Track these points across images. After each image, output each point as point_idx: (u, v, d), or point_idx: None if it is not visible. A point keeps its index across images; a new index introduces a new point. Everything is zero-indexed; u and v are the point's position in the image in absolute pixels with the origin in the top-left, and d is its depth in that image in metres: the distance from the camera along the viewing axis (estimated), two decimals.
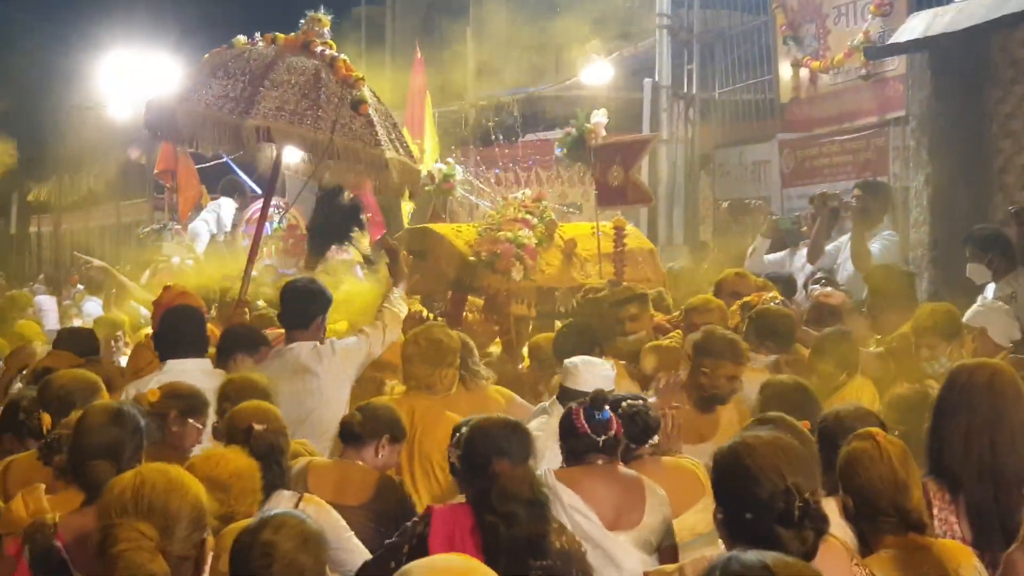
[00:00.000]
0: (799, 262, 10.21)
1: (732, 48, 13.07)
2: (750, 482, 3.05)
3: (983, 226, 8.08)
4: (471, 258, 8.27)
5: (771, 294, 7.34)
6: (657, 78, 13.17)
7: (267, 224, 18.77)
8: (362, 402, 5.52)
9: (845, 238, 9.78)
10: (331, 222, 8.97)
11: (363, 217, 8.91)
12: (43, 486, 4.66)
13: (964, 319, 7.28)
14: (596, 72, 13.71)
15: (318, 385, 6.33)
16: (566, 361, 5.83)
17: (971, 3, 8.22)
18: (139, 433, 4.12)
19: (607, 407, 4.65)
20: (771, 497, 3.00)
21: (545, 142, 15.93)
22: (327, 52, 7.70)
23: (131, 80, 20.08)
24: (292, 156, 8.41)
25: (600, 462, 4.64)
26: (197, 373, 6.02)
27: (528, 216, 8.58)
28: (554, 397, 5.91)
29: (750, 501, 3.04)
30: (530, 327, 8.45)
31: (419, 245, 8.77)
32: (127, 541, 2.91)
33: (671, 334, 7.48)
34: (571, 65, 19.18)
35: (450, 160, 10.32)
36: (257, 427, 4.51)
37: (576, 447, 4.65)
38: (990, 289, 7.84)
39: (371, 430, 5.14)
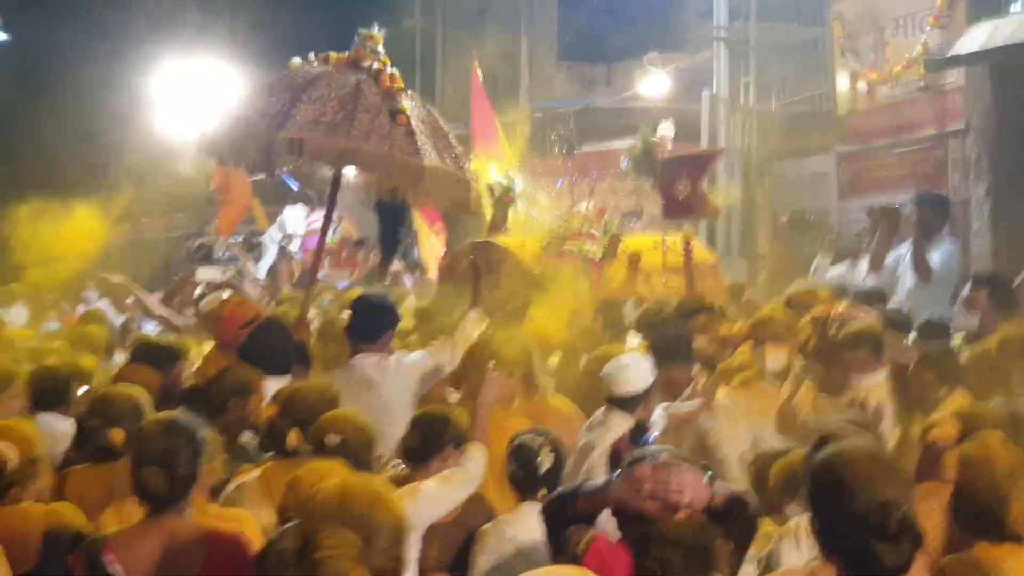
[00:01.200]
0: (860, 275, 10.27)
1: (788, 60, 13.12)
2: (847, 496, 3.03)
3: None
4: (536, 271, 8.37)
5: (843, 305, 7.38)
6: (715, 90, 13.23)
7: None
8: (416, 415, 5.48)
9: (905, 248, 9.83)
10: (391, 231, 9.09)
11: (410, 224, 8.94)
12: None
13: None
14: (653, 84, 13.79)
15: (381, 399, 6.37)
16: (603, 371, 5.96)
17: None
18: (194, 442, 4.16)
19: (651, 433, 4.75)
20: (867, 511, 2.98)
21: (603, 153, 16.03)
22: (374, 66, 7.72)
23: (183, 91, 20.32)
24: (350, 170, 8.53)
25: None
26: None
27: (592, 230, 8.70)
28: (607, 405, 6.04)
29: (847, 514, 3.03)
30: None
31: (482, 258, 8.86)
32: (330, 548, 2.86)
33: (740, 348, 7.56)
34: (624, 76, 19.34)
35: (510, 174, 10.41)
36: (331, 438, 4.63)
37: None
38: None
39: (434, 445, 5.09)
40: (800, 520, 4.11)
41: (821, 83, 12.48)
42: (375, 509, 2.97)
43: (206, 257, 16.85)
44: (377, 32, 7.86)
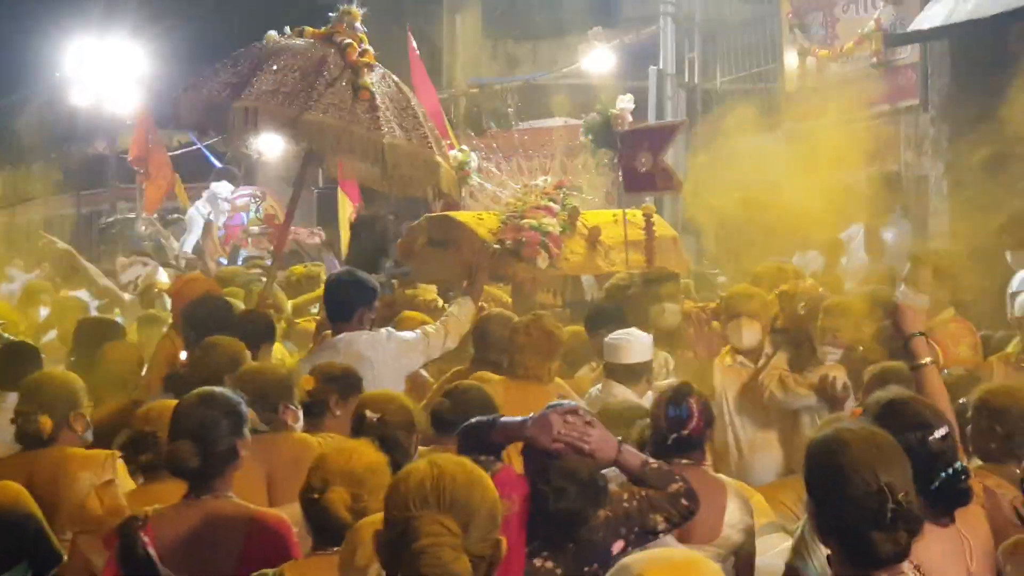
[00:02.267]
0: (810, 255, 10.26)
1: (736, 37, 13.07)
2: (842, 480, 2.95)
3: (1021, 214, 8.13)
4: (495, 246, 8.23)
5: (810, 282, 7.35)
6: (662, 66, 13.14)
7: (243, 214, 18.90)
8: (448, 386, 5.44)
9: (856, 227, 9.85)
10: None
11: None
12: (116, 480, 4.64)
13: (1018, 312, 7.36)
14: (598, 60, 13.67)
15: (374, 375, 6.20)
16: (606, 339, 5.92)
17: None
18: (234, 416, 4.08)
19: (689, 400, 4.58)
20: (863, 497, 2.90)
21: (545, 130, 15.92)
22: (344, 41, 7.61)
23: (91, 68, 19.89)
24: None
25: (684, 462, 4.53)
26: None
27: (551, 203, 8.56)
28: (604, 379, 5.96)
29: (842, 500, 2.95)
30: None
31: (440, 234, 8.70)
32: (431, 536, 2.69)
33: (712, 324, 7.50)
34: (551, 54, 19.21)
35: (464, 148, 10.24)
36: (370, 415, 4.49)
37: (654, 444, 4.59)
38: (1019, 278, 7.89)
39: (464, 416, 4.87)
40: None
41: (769, 60, 12.45)
42: (472, 492, 2.80)
43: (120, 235, 16.55)
44: (356, 8, 7.77)
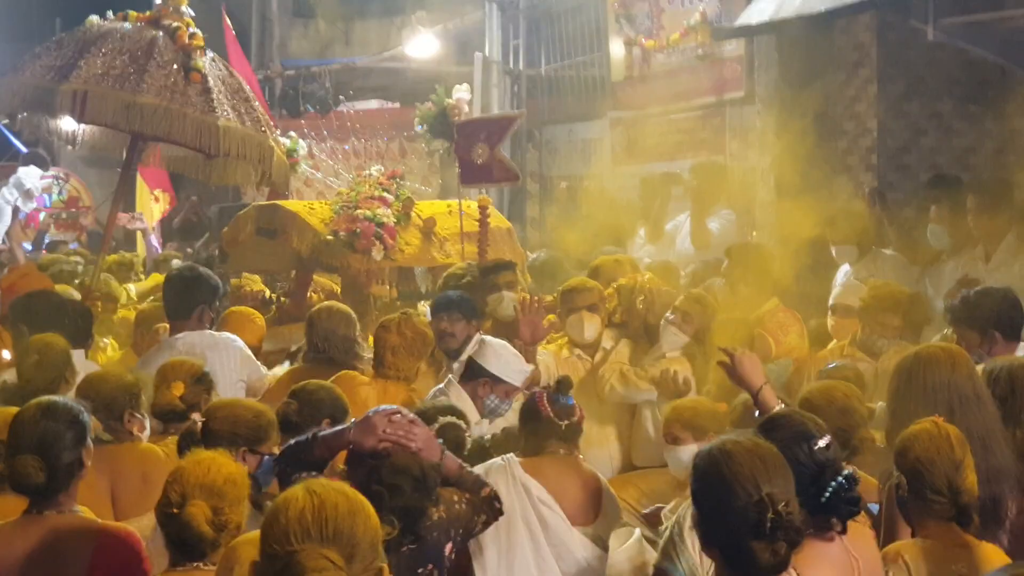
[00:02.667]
0: (637, 245, 10.34)
1: (561, 24, 13.08)
2: (725, 491, 2.96)
3: (845, 208, 8.31)
4: (328, 237, 8.07)
5: (648, 276, 7.37)
6: (487, 52, 13.07)
7: (46, 196, 18.17)
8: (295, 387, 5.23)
9: (683, 216, 9.95)
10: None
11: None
12: None
13: (832, 300, 7.53)
14: (421, 45, 13.52)
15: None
16: (484, 337, 5.84)
17: None
18: (78, 426, 3.93)
19: (571, 393, 4.77)
20: (744, 507, 2.91)
21: (367, 113, 15.74)
22: (173, 24, 7.48)
23: None
24: (69, 124, 8.11)
25: (562, 451, 4.76)
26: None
27: (385, 194, 8.42)
28: (449, 377, 5.86)
29: (724, 509, 2.97)
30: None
31: (268, 223, 8.49)
32: (316, 572, 2.55)
33: (547, 317, 7.46)
34: (364, 36, 18.98)
35: (292, 134, 10.01)
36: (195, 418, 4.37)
37: (538, 431, 4.72)
38: (842, 272, 8.09)
39: (310, 416, 4.86)
40: None
41: (595, 48, 12.48)
42: (355, 521, 2.68)
43: None
44: None
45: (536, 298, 7.84)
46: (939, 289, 7.27)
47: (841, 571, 3.29)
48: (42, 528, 3.83)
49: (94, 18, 7.48)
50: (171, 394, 5.12)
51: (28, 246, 13.24)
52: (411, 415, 4.01)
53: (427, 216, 8.51)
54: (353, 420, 3.97)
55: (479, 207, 8.39)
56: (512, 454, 4.72)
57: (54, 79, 6.97)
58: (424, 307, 8.73)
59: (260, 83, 16.31)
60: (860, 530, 3.43)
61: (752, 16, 8.93)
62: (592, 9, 12.45)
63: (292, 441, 4.05)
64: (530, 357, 6.27)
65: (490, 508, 4.14)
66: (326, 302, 7.16)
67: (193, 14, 7.61)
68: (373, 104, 17.10)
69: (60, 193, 17.63)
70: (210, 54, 7.51)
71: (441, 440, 4.33)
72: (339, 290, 8.76)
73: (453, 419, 4.79)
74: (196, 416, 4.38)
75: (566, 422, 4.70)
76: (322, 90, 15.56)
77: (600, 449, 6.60)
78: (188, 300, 6.35)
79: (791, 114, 9.10)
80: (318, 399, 4.97)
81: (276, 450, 4.39)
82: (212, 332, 6.33)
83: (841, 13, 8.22)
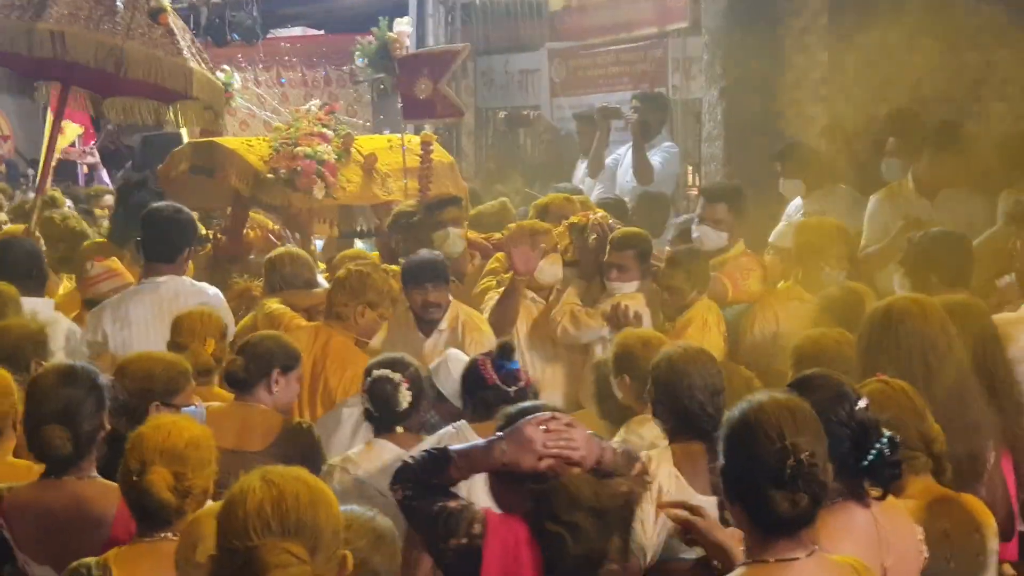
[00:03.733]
0: (577, 176, 10.19)
1: None
2: (750, 438, 2.91)
3: (796, 142, 8.20)
4: (268, 175, 7.83)
5: (600, 213, 7.20)
6: None
7: None
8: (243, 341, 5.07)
9: (624, 150, 9.81)
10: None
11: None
12: None
13: (771, 238, 7.45)
14: None
15: None
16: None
17: None
18: (97, 391, 3.85)
19: (515, 355, 4.53)
20: (766, 454, 2.87)
21: (294, 44, 15.37)
22: None
23: None
24: None
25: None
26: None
27: (324, 130, 8.18)
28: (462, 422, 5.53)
29: (748, 457, 2.92)
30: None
31: (205, 160, 8.26)
32: (280, 567, 2.41)
33: (496, 256, 7.29)
34: None
35: (227, 67, 9.68)
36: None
37: (487, 399, 4.45)
38: (795, 205, 8.00)
39: (256, 370, 4.78)
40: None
41: None
42: (317, 512, 2.52)
43: None
44: None
45: (487, 237, 7.75)
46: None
47: (865, 544, 3.18)
48: (63, 494, 3.76)
49: None
50: (205, 352, 5.03)
51: None
52: (565, 416, 3.37)
53: (367, 152, 8.30)
54: (499, 433, 3.33)
55: (422, 143, 8.20)
56: (463, 420, 4.48)
57: (26, 18, 6.79)
58: (361, 245, 8.55)
59: (184, 11, 15.86)
60: (893, 502, 3.31)
61: None
62: None
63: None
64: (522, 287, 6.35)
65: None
66: (284, 247, 6.92)
67: None
68: (297, 31, 16.70)
69: None
70: None
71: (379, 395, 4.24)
72: (273, 227, 8.52)
73: (387, 372, 4.62)
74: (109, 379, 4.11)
75: (514, 388, 4.43)
76: (249, 19, 15.05)
77: (552, 391, 6.47)
78: (173, 242, 6.02)
79: (739, 46, 8.92)
80: (265, 350, 4.85)
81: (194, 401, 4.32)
82: (194, 280, 6.11)
83: None
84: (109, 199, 10.35)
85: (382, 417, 4.64)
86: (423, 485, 3.31)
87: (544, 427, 3.25)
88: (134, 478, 3.36)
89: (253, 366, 4.77)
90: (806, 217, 7.58)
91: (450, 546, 3.22)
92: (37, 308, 5.58)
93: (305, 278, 6.41)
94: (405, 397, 4.56)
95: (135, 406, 4.21)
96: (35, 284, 5.86)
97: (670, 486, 4.06)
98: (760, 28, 8.86)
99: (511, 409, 3.50)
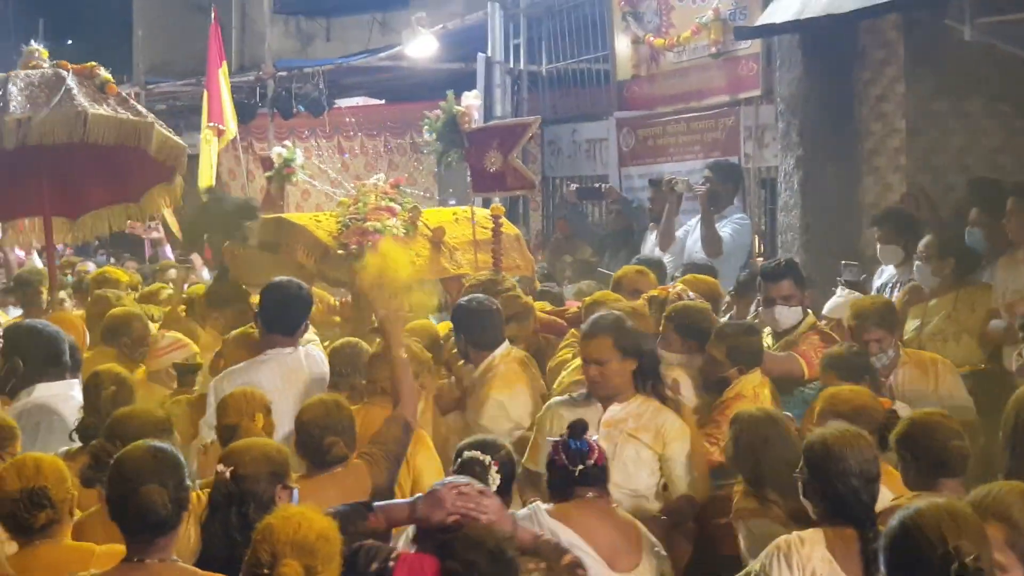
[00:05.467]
0: (648, 245, 9.99)
1: (563, 22, 12.73)
2: (910, 545, 2.99)
3: (895, 208, 8.02)
4: (338, 251, 7.71)
5: (679, 286, 6.99)
6: (489, 53, 12.69)
7: None
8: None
9: (694, 221, 9.60)
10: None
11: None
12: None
13: (825, 310, 7.20)
14: (422, 46, 13.15)
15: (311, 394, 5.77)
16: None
17: None
18: (181, 468, 3.82)
19: (586, 436, 4.52)
20: (929, 561, 2.92)
21: (358, 110, 15.43)
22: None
23: None
24: None
25: (590, 495, 4.51)
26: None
27: (392, 203, 8.06)
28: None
29: (911, 565, 2.99)
30: None
31: (272, 236, 8.14)
32: None
33: (568, 335, 7.09)
34: (344, 31, 18.64)
35: (288, 144, 9.65)
36: (220, 468, 4.01)
37: (555, 481, 4.55)
38: (887, 272, 7.80)
39: (350, 444, 4.90)
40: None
41: (599, 47, 12.13)
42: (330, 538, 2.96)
43: None
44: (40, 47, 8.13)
45: (563, 310, 7.57)
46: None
47: None
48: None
49: None
50: (256, 427, 4.94)
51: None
52: (480, 485, 3.84)
53: (435, 225, 8.14)
54: (418, 495, 3.81)
55: (492, 216, 8.06)
56: (538, 502, 4.53)
57: None
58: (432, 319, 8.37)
59: (251, 84, 16.01)
60: None
61: (775, 14, 8.57)
62: (596, 6, 12.10)
63: (341, 509, 3.81)
64: None
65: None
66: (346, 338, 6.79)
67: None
68: (358, 101, 16.80)
69: None
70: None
71: (469, 478, 4.13)
72: (335, 302, 8.41)
73: (477, 454, 4.48)
74: (221, 467, 4.01)
75: (580, 467, 4.44)
76: (315, 91, 15.17)
77: None
78: (294, 316, 6.10)
79: (814, 114, 8.76)
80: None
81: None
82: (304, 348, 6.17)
83: (872, 12, 7.87)
84: (173, 273, 10.32)
85: None
86: (348, 531, 3.62)
87: (456, 491, 3.78)
88: (265, 571, 3.29)
89: (350, 441, 4.83)
90: (900, 286, 7.54)
91: (369, 571, 3.63)
92: (63, 391, 5.55)
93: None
94: (494, 480, 4.39)
95: (260, 489, 4.07)
96: (63, 369, 5.73)
97: (824, 570, 3.96)
98: (836, 96, 8.71)
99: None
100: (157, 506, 3.65)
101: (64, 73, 7.75)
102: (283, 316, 6.05)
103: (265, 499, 3.97)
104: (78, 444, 5.07)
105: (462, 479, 3.88)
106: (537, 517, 4.34)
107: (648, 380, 5.55)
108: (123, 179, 7.86)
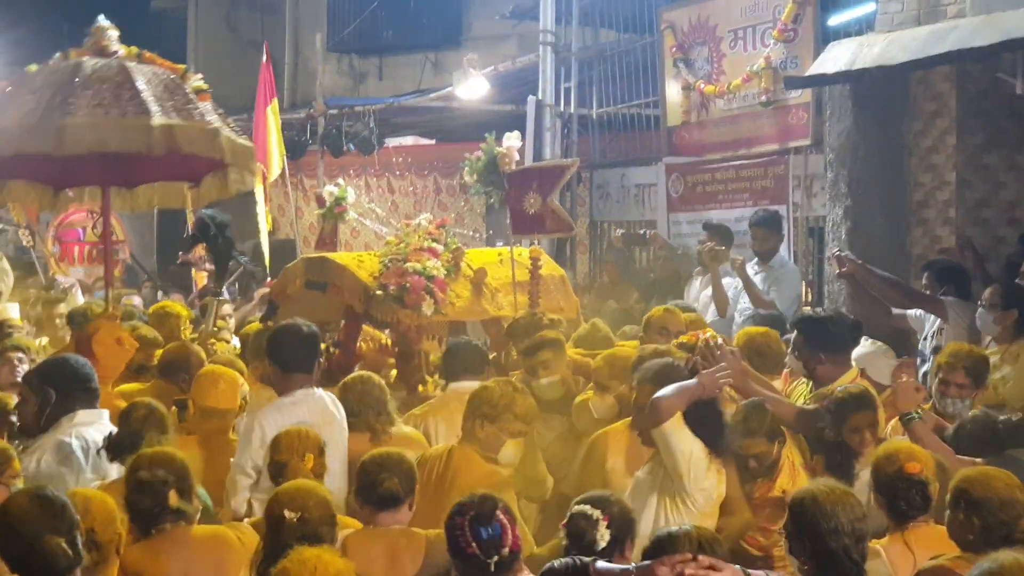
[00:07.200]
0: (692, 294, 9.88)
1: (614, 67, 12.74)
2: None
3: (941, 258, 7.93)
4: (378, 292, 7.70)
5: (709, 333, 6.88)
6: (540, 95, 12.71)
7: (80, 230, 18.00)
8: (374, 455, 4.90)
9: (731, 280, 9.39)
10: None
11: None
12: None
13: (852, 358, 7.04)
14: (472, 87, 13.19)
15: (341, 438, 5.84)
16: None
17: (902, 35, 8.02)
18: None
19: (497, 514, 3.86)
20: None
21: (408, 149, 15.45)
22: (120, 52, 7.32)
23: None
24: None
25: None
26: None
27: (434, 244, 8.05)
28: None
29: None
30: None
31: (317, 276, 8.17)
32: None
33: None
34: (396, 70, 18.75)
35: (341, 182, 9.68)
36: (289, 515, 3.96)
37: (466, 572, 3.89)
38: (928, 322, 7.67)
39: (407, 488, 4.67)
40: None
41: (649, 92, 12.13)
42: None
43: None
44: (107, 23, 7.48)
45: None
46: None
47: None
48: None
49: (32, 66, 7.26)
50: (305, 467, 4.91)
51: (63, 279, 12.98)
52: (710, 560, 3.42)
53: (477, 267, 8.12)
54: (634, 565, 3.47)
55: (531, 258, 8.03)
56: None
57: (57, 117, 6.66)
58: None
59: (302, 121, 16.11)
60: None
61: (827, 64, 8.53)
62: (647, 52, 12.10)
63: (565, 562, 3.62)
64: None
65: None
66: (359, 372, 6.76)
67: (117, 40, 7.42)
68: (408, 141, 16.88)
69: (94, 227, 17.50)
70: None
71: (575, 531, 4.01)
72: (387, 341, 8.40)
73: (587, 508, 4.22)
74: (289, 513, 3.97)
75: (495, 557, 3.81)
76: (366, 129, 15.23)
77: None
78: (311, 353, 6.08)
79: (864, 165, 8.68)
80: (410, 465, 4.82)
81: None
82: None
83: (923, 65, 7.81)
84: (228, 308, 10.30)
85: (577, 554, 3.96)
86: None
87: (674, 569, 3.34)
88: None
89: (404, 483, 4.65)
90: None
91: None
92: (92, 420, 5.53)
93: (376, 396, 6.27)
94: (603, 536, 4.13)
95: (324, 533, 4.04)
96: (94, 396, 5.72)
97: None
98: (886, 147, 8.64)
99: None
100: (58, 556, 3.53)
101: (131, 66, 7.09)
102: (301, 355, 6.02)
103: (328, 543, 3.90)
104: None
105: (685, 556, 3.46)
106: None
107: None
108: (187, 160, 7.42)
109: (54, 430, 5.43)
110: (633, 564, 3.42)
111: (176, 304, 9.73)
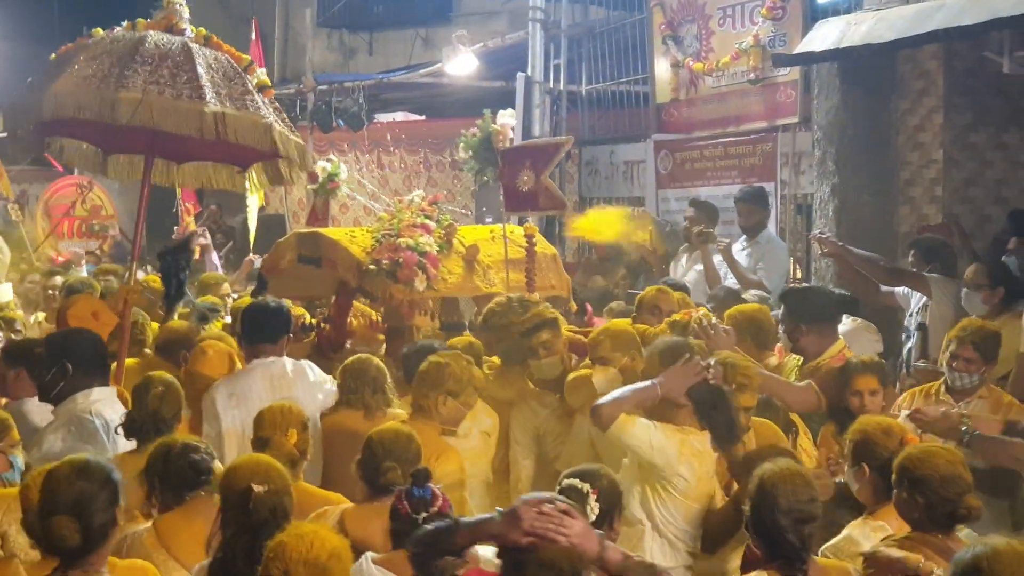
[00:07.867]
0: (678, 271, 9.95)
1: (603, 44, 12.78)
2: None
3: (928, 236, 8.00)
4: (370, 267, 7.74)
5: (702, 311, 6.96)
6: (530, 72, 12.75)
7: (70, 205, 17.96)
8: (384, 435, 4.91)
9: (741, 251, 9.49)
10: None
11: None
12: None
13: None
14: (461, 64, 13.21)
15: (305, 398, 5.93)
16: None
17: (889, 14, 8.08)
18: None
19: (430, 483, 4.15)
20: None
21: (398, 125, 15.46)
22: (189, 31, 7.19)
23: None
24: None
25: None
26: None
27: (427, 220, 8.10)
28: None
29: None
30: None
31: (310, 251, 8.20)
32: None
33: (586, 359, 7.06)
34: (386, 46, 18.75)
35: (333, 158, 9.71)
36: (257, 488, 3.92)
37: (400, 530, 4.12)
38: (914, 298, 7.77)
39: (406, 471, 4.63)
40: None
41: (638, 70, 12.17)
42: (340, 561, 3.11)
43: None
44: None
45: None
46: None
47: None
48: None
49: (99, 30, 7.10)
50: (288, 443, 4.99)
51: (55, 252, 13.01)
52: (564, 503, 3.51)
53: (470, 243, 8.18)
54: (499, 509, 3.54)
55: (526, 235, 8.08)
56: (368, 553, 4.18)
57: (112, 88, 6.54)
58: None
59: (291, 97, 16.12)
60: None
61: (814, 43, 8.59)
62: (636, 29, 12.14)
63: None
64: None
65: None
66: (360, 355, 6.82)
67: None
68: (399, 116, 16.89)
69: (83, 202, 17.48)
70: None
71: (554, 495, 3.94)
72: (377, 317, 8.46)
73: (576, 482, 4.36)
74: (257, 486, 3.94)
75: (424, 514, 4.05)
76: (355, 105, 15.24)
77: None
78: (276, 326, 6.32)
79: (851, 143, 8.76)
80: (417, 448, 4.82)
81: None
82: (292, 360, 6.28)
83: (911, 43, 7.87)
84: (227, 287, 10.30)
85: None
86: (432, 550, 3.62)
87: (537, 509, 3.45)
88: None
89: (407, 470, 4.56)
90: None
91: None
92: (106, 396, 5.57)
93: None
94: (593, 509, 4.26)
95: (287, 504, 4.03)
96: (107, 372, 5.84)
97: None
98: (873, 125, 8.71)
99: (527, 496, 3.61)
100: (65, 539, 3.65)
101: (194, 48, 6.94)
102: (264, 327, 6.27)
103: (290, 513, 3.96)
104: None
105: (546, 495, 3.58)
106: (363, 565, 4.06)
107: None
108: (239, 146, 7.31)
109: (69, 404, 5.47)
110: (498, 508, 3.53)
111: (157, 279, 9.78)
